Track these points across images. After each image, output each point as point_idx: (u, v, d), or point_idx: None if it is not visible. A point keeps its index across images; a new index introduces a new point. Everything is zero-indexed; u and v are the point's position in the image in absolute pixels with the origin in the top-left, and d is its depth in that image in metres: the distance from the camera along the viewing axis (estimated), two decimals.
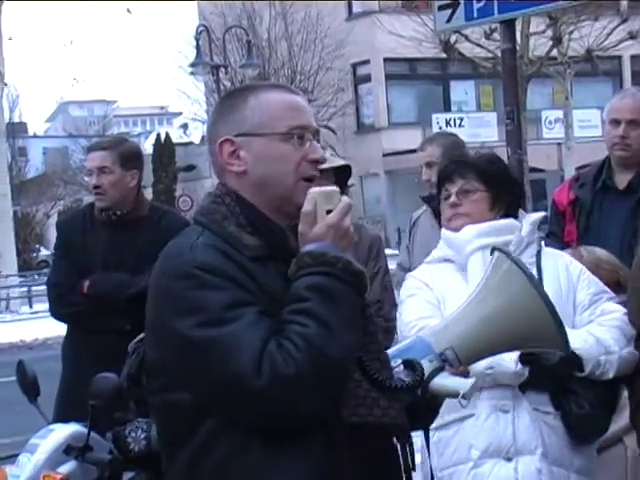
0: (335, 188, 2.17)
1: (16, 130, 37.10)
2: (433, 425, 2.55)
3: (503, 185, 3.11)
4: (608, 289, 3.09)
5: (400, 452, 2.24)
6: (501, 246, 2.73)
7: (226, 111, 2.22)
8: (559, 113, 27.69)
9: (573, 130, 25.82)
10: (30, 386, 3.48)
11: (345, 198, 2.15)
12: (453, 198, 3.07)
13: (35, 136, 51.45)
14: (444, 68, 29.80)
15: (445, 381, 2.18)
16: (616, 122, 4.16)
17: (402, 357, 2.19)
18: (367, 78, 31.21)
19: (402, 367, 2.17)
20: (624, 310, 2.98)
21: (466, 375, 2.25)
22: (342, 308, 2.02)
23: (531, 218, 3.15)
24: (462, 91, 31.17)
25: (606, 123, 4.29)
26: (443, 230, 3.14)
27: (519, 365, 2.80)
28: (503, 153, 9.02)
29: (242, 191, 2.16)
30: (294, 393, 1.96)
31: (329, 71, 27.92)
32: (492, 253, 2.48)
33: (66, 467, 3.33)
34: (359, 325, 2.07)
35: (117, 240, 4.22)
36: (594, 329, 2.86)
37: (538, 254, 3.08)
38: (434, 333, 2.28)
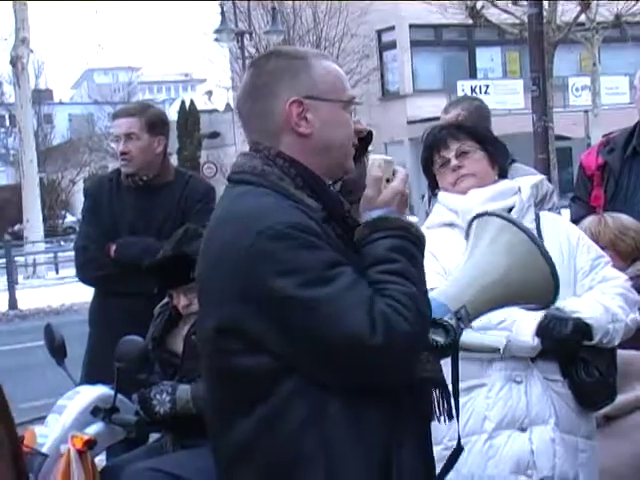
0: (391, 158, 2.23)
1: (42, 97, 37.17)
2: None
3: (495, 145, 3.14)
4: (604, 253, 3.10)
5: (440, 401, 2.30)
6: (504, 211, 2.81)
7: (288, 72, 2.19)
8: (586, 80, 27.38)
9: (600, 97, 25.55)
10: (58, 349, 3.55)
11: (401, 168, 2.23)
12: (454, 161, 3.05)
13: (61, 103, 51.54)
14: (470, 34, 29.55)
15: (481, 338, 2.22)
16: None
17: None
18: (392, 45, 31.02)
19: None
20: (625, 276, 3.01)
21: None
22: (421, 269, 2.12)
23: (530, 181, 3.16)
24: (488, 58, 30.92)
25: (637, 89, 4.26)
26: (443, 194, 3.12)
27: (536, 339, 2.81)
28: (529, 120, 9.02)
29: (297, 154, 2.16)
30: (407, 349, 2.03)
31: (354, 38, 27.72)
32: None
33: (93, 428, 3.41)
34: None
35: (143, 205, 4.24)
36: (601, 297, 2.87)
37: (537, 218, 3.07)
38: (446, 294, 2.32)
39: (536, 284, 2.46)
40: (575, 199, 4.48)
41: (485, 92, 26.56)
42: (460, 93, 25.13)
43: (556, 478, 2.86)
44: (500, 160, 3.14)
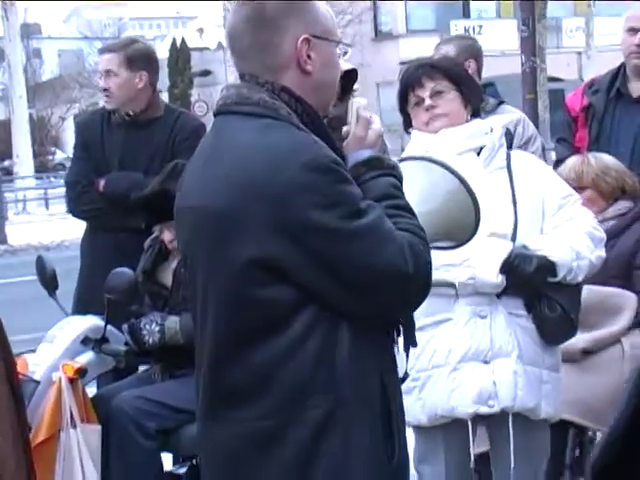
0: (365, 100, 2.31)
1: (30, 31, 36.85)
2: None
3: (469, 85, 3.15)
4: (574, 190, 3.14)
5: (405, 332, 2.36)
6: (472, 153, 2.92)
7: (298, 9, 2.20)
8: (580, 21, 27.27)
9: (594, 39, 25.45)
10: (49, 280, 3.60)
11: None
12: (428, 101, 3.07)
13: (50, 38, 51.01)
14: None
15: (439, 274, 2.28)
16: (633, 30, 4.16)
17: None
18: None
19: None
20: (592, 214, 3.05)
21: None
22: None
23: (501, 121, 3.19)
24: None
25: (623, 31, 4.29)
26: (416, 133, 3.14)
27: (500, 276, 2.87)
28: None
29: (297, 90, 2.17)
30: (429, 277, 2.13)
31: None
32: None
33: (84, 357, 3.47)
34: None
35: (132, 140, 4.26)
36: (566, 235, 2.92)
37: (508, 157, 3.10)
38: None
39: (458, 219, 2.52)
40: (560, 140, 4.53)
41: (479, 32, 26.46)
42: (453, 33, 25.01)
43: (516, 408, 2.92)
44: (473, 100, 3.15)
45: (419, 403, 2.97)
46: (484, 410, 2.92)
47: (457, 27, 26.57)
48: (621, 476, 0.51)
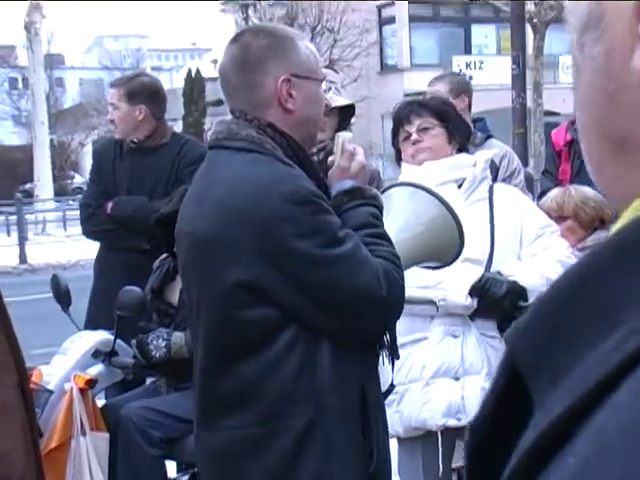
0: (350, 133, 2.38)
1: (54, 61, 36.85)
2: None
3: (455, 122, 3.18)
4: (553, 222, 3.18)
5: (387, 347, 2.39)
6: (453, 184, 2.92)
7: (280, 51, 2.24)
8: None
9: None
10: (63, 296, 3.64)
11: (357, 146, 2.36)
12: (414, 136, 3.10)
13: (72, 67, 51.18)
14: (466, 11, 29.39)
15: (419, 292, 2.30)
16: None
17: None
18: (391, 20, 30.79)
19: None
20: (567, 244, 3.09)
21: None
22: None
23: (485, 155, 3.24)
24: (483, 35, 30.71)
25: None
26: (404, 165, 3.17)
27: (469, 298, 2.91)
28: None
29: (281, 126, 2.22)
30: (401, 301, 2.18)
31: (355, 12, 27.52)
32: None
33: (94, 369, 3.49)
34: None
35: (138, 166, 4.30)
36: (538, 263, 2.94)
37: (490, 189, 3.13)
38: None
39: (443, 241, 2.53)
40: (545, 172, 4.59)
41: (479, 68, 26.47)
42: (455, 68, 25.02)
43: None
44: (459, 136, 3.18)
45: (397, 415, 3.00)
46: (452, 423, 2.95)
47: (459, 62, 26.56)
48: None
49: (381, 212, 2.28)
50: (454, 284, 2.89)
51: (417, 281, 2.77)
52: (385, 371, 2.54)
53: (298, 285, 2.10)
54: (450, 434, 3.02)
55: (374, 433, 2.22)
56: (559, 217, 3.44)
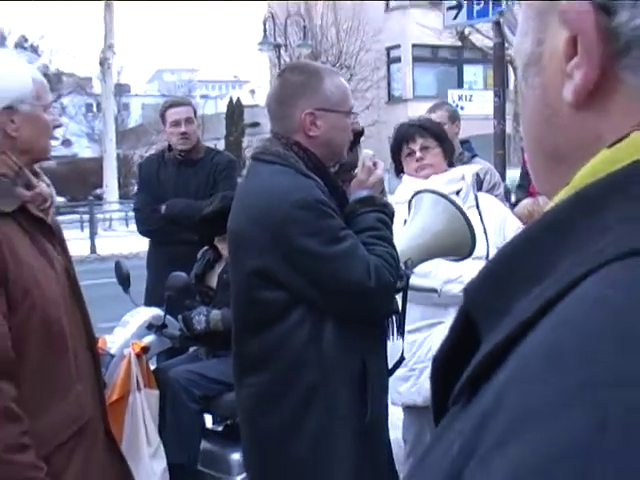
0: (372, 152, 2.34)
1: (122, 90, 36.99)
2: (407, 328, 2.62)
3: (446, 142, 3.18)
4: (522, 225, 3.13)
5: (395, 324, 2.40)
6: (451, 193, 2.87)
7: (307, 88, 2.23)
8: None
9: None
10: (124, 280, 3.65)
11: (380, 161, 2.35)
12: (418, 153, 3.10)
13: (136, 95, 51.28)
14: (459, 54, 29.18)
15: (423, 280, 2.29)
16: None
17: None
18: (398, 59, 30.65)
19: None
20: None
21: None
22: (392, 234, 2.24)
23: (472, 169, 3.24)
24: (472, 73, 30.48)
25: None
26: (408, 178, 3.14)
27: None
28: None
29: (307, 145, 2.23)
30: (389, 292, 2.16)
31: (368, 52, 27.40)
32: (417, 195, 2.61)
33: (148, 338, 3.52)
34: None
35: (182, 175, 4.33)
36: None
37: (476, 198, 3.12)
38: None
39: (459, 240, 2.50)
40: (519, 187, 4.56)
41: (469, 99, 26.18)
42: (450, 100, 24.89)
43: None
44: (449, 154, 3.18)
45: (415, 387, 2.95)
46: None
47: (453, 95, 26.37)
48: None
49: (390, 218, 2.26)
50: (471, 278, 2.85)
51: (440, 274, 2.75)
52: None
53: (303, 274, 2.11)
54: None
55: (370, 397, 2.22)
56: (529, 221, 3.43)
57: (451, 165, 3.21)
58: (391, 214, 2.28)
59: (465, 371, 0.50)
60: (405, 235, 2.49)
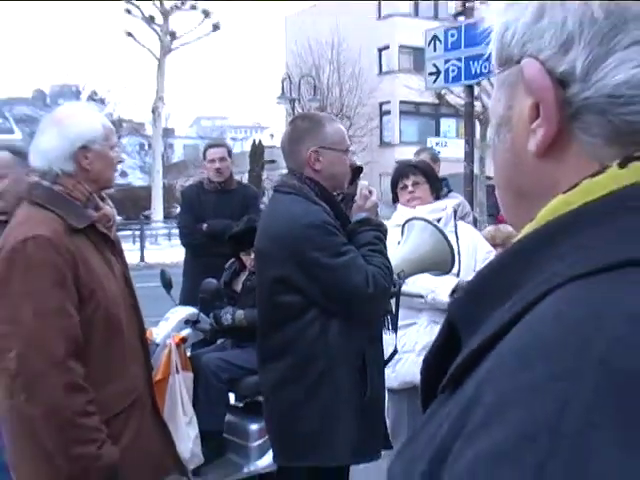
0: (367, 183, 2.31)
1: (168, 132, 37.04)
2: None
3: (434, 179, 3.17)
4: (494, 249, 3.12)
5: (389, 321, 2.38)
6: (434, 220, 2.84)
7: (311, 131, 2.24)
8: None
9: None
10: (167, 284, 3.63)
11: (374, 189, 2.32)
12: (410, 188, 3.08)
13: (179, 137, 51.39)
14: (437, 109, 29.18)
15: (411, 288, 2.26)
16: None
17: None
18: (388, 112, 30.70)
19: None
20: None
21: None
22: (386, 249, 2.20)
23: (452, 202, 3.21)
24: (447, 125, 30.54)
25: None
26: (401, 207, 3.11)
27: (450, 298, 2.85)
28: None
29: (316, 178, 2.23)
30: (384, 297, 2.12)
31: (364, 106, 27.47)
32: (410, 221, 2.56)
33: (185, 331, 3.50)
34: None
35: (221, 201, 4.35)
36: None
37: (455, 225, 3.09)
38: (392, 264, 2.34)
39: (442, 258, 2.47)
40: (490, 216, 4.55)
41: (445, 145, 26.07)
42: (428, 145, 24.87)
43: None
44: (435, 189, 3.16)
45: (393, 374, 2.91)
46: None
47: (432, 141, 26.36)
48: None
49: (384, 235, 2.23)
50: (441, 289, 2.83)
51: (421, 283, 2.72)
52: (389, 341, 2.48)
53: (314, 281, 2.10)
54: None
55: (369, 381, 2.21)
56: (493, 244, 3.40)
57: (437, 198, 3.19)
58: (384, 232, 2.26)
59: (450, 367, 0.50)
60: (399, 252, 2.48)
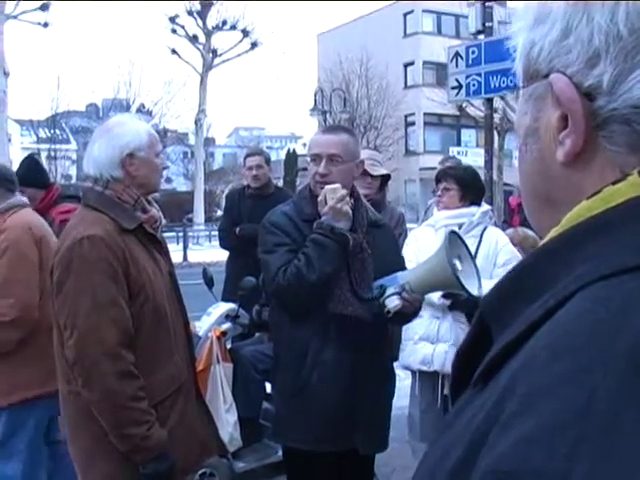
0: (338, 185, 2.14)
1: (209, 142, 37.39)
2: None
3: (469, 186, 3.07)
4: (519, 255, 3.02)
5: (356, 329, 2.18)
6: (456, 226, 2.79)
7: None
8: None
9: None
10: (209, 281, 3.64)
11: (343, 191, 2.11)
12: (439, 192, 3.08)
13: (219, 146, 51.84)
14: (458, 120, 29.00)
15: (388, 301, 2.09)
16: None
17: (382, 283, 2.16)
18: (413, 123, 30.58)
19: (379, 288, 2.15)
20: None
21: (409, 301, 2.14)
22: (325, 252, 2.08)
23: (483, 208, 3.12)
24: (468, 135, 30.30)
25: None
26: (435, 209, 3.15)
27: (441, 300, 2.84)
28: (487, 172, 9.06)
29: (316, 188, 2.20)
30: (294, 290, 2.07)
31: (391, 118, 27.43)
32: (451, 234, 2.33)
33: (225, 325, 3.52)
34: (337, 262, 2.10)
35: (257, 206, 4.31)
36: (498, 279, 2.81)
37: (484, 230, 3.01)
38: (403, 274, 2.21)
39: (442, 278, 2.16)
40: (504, 222, 4.50)
41: (465, 154, 25.97)
42: (451, 154, 24.71)
43: (445, 370, 2.89)
44: (470, 195, 3.04)
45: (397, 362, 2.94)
46: (424, 368, 2.91)
47: (453, 151, 26.21)
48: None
49: (330, 237, 2.10)
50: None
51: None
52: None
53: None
54: (425, 376, 2.98)
55: (304, 376, 2.22)
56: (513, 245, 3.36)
57: (473, 204, 3.06)
58: (332, 234, 2.10)
59: (481, 362, 0.50)
60: (417, 266, 2.33)
